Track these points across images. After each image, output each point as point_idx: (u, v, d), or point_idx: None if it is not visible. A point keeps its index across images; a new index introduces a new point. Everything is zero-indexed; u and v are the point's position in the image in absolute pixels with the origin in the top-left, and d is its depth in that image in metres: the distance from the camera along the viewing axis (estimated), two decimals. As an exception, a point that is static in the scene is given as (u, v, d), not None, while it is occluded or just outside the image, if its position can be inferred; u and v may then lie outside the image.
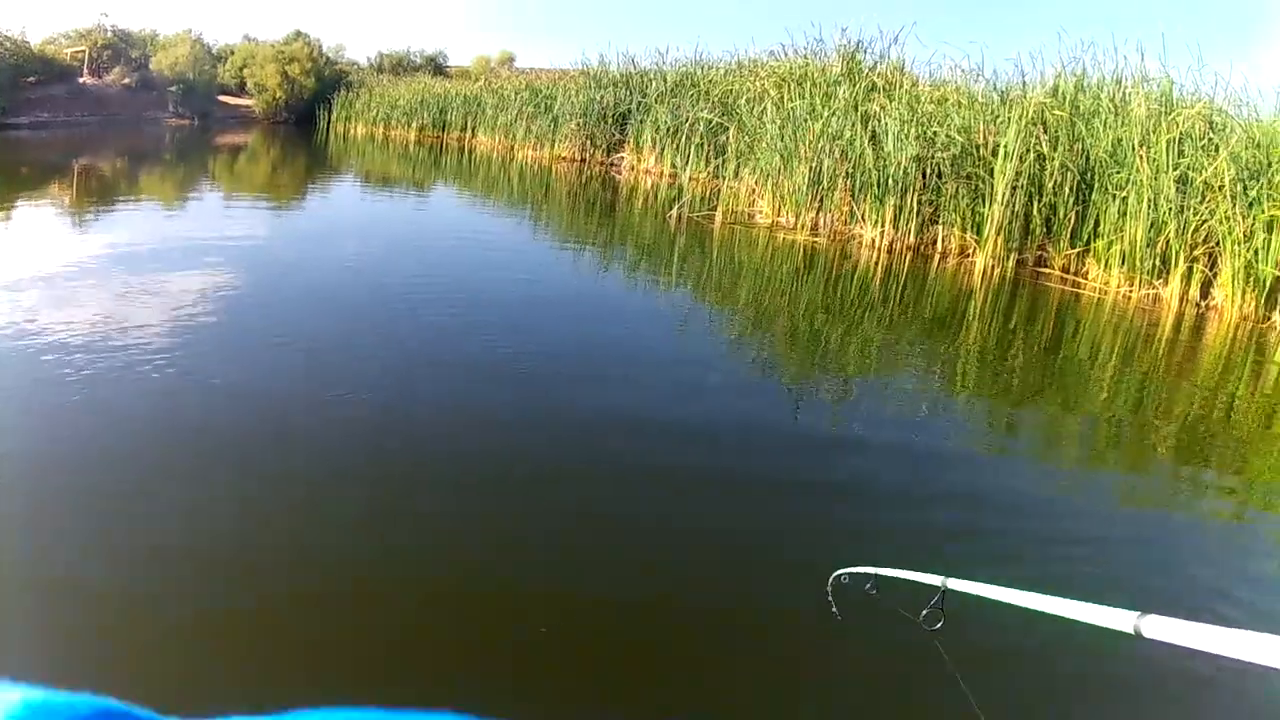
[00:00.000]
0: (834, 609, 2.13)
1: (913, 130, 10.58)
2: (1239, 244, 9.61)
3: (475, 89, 25.54)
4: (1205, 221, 9.84)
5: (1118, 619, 1.05)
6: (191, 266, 6.80)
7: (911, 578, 1.73)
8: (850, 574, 2.02)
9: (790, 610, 2.77)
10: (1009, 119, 10.40)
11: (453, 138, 25.67)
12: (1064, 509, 3.90)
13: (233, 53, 32.31)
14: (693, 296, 7.84)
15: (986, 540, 3.46)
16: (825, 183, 11.15)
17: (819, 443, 4.34)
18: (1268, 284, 9.68)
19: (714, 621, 2.74)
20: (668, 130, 16.07)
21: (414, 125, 27.14)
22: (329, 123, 30.72)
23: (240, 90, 31.61)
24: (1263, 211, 9.56)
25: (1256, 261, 9.68)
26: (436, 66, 35.91)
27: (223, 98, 31.52)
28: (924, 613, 1.65)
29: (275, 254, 8.07)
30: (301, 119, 31.88)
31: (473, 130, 24.78)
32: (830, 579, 2.06)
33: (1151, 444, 5.23)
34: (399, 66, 36.31)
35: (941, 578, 1.62)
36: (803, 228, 11.25)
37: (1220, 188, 9.68)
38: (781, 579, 2.97)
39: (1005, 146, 10.18)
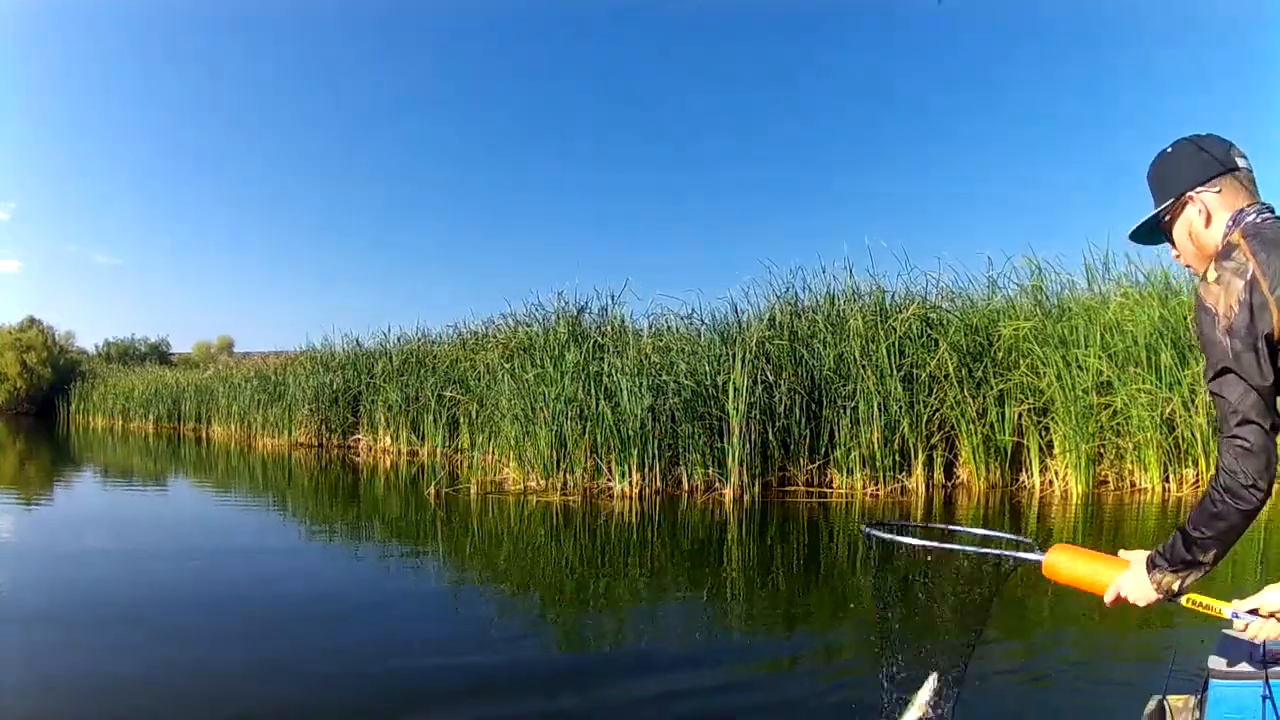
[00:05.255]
0: None
1: (644, 382, 10.57)
2: (973, 423, 10.11)
3: (206, 378, 24.91)
4: (937, 411, 10.29)
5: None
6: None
7: None
8: None
9: None
10: (733, 356, 10.63)
11: (188, 429, 24.65)
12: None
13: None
14: (469, 567, 7.54)
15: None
16: (569, 444, 10.86)
17: (604, 687, 4.25)
18: (1009, 451, 10.20)
19: None
20: (400, 409, 15.91)
21: (151, 417, 26.37)
22: (69, 414, 30.40)
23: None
24: (990, 388, 10.15)
25: (994, 434, 10.20)
26: (161, 355, 34.78)
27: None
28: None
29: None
30: (43, 409, 31.80)
31: (208, 420, 23.80)
32: None
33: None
34: (126, 355, 34.97)
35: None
36: (553, 488, 10.91)
37: (946, 377, 10.22)
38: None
39: (734, 383, 10.32)
